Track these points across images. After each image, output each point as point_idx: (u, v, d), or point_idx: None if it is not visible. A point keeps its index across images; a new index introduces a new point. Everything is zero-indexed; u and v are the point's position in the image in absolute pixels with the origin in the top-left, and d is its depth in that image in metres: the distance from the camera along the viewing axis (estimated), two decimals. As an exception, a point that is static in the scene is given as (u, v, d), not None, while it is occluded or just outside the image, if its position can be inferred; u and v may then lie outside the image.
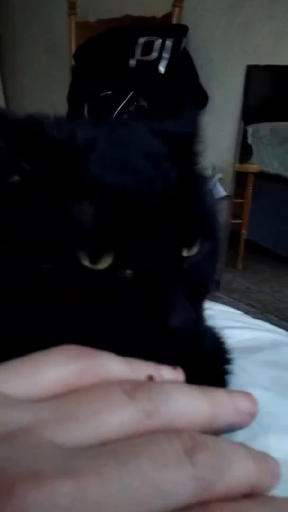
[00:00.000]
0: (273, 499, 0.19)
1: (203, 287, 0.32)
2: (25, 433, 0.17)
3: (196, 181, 0.32)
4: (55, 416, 0.18)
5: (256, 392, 0.44)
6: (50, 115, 0.31)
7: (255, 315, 1.24)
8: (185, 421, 0.20)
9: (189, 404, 0.20)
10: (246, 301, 2.18)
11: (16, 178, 0.28)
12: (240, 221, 2.39)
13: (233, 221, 2.31)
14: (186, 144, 0.34)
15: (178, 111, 0.37)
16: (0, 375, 0.19)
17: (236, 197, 2.34)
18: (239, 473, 0.18)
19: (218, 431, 0.21)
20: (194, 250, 0.30)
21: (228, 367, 0.41)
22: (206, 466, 0.17)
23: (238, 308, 0.82)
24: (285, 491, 0.21)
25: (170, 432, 0.19)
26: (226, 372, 0.40)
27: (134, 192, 0.27)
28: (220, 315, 0.57)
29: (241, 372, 0.42)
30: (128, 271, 0.27)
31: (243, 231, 2.42)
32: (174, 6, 2.35)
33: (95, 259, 0.27)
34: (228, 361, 0.43)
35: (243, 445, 0.20)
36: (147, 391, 0.20)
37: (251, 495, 0.19)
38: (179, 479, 0.17)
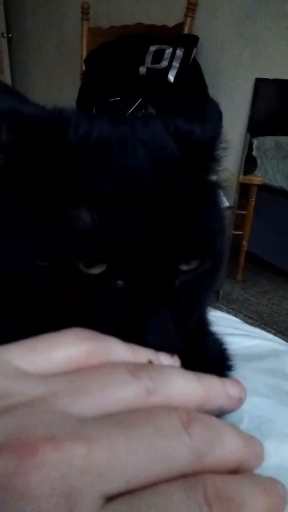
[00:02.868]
0: (259, 476, 0.21)
1: (195, 303, 0.32)
2: (40, 403, 0.19)
3: (206, 193, 0.32)
4: (67, 389, 0.20)
5: (255, 399, 0.45)
6: (74, 112, 0.31)
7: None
8: (181, 400, 0.21)
9: (185, 386, 0.22)
10: (245, 312, 2.18)
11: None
12: (241, 233, 2.40)
13: (235, 233, 2.32)
14: (207, 149, 0.33)
15: (201, 111, 0.36)
16: (16, 352, 0.21)
17: (238, 208, 2.35)
18: (229, 448, 0.20)
19: (210, 414, 0.22)
20: (194, 264, 0.30)
21: (229, 373, 0.42)
22: (200, 438, 0.19)
23: (236, 319, 0.82)
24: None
25: (169, 407, 0.20)
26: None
27: (132, 205, 0.27)
28: (221, 322, 0.58)
29: (241, 378, 0.42)
30: (119, 281, 0.28)
31: (244, 243, 2.42)
32: (186, 16, 2.37)
33: (89, 264, 0.27)
34: (229, 368, 0.43)
35: (233, 425, 0.22)
36: (149, 371, 0.21)
37: (237, 471, 0.21)
38: (177, 447, 0.19)
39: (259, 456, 0.22)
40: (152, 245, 0.27)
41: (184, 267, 0.30)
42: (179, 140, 0.31)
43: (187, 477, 0.19)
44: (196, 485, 0.18)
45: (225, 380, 0.24)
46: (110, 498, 0.17)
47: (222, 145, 0.34)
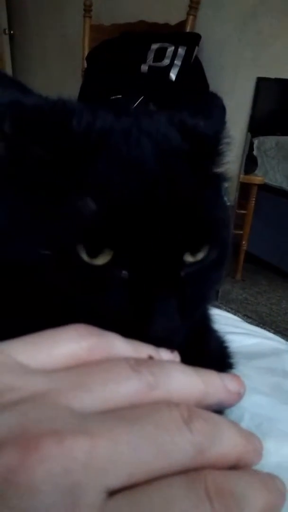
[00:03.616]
0: (259, 472, 0.21)
1: (200, 295, 0.32)
2: (43, 398, 0.19)
3: (211, 185, 0.32)
4: (69, 384, 0.20)
5: (256, 398, 0.45)
6: (77, 103, 0.32)
7: (253, 326, 1.25)
8: (181, 395, 0.22)
9: (185, 381, 0.22)
10: (243, 312, 2.19)
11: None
12: (241, 232, 2.39)
13: (235, 232, 2.31)
14: (211, 143, 0.33)
15: (205, 106, 0.36)
16: (19, 347, 0.22)
17: (238, 208, 2.35)
18: (228, 443, 0.21)
19: (209, 408, 0.22)
20: (200, 256, 0.30)
21: (230, 371, 0.42)
22: (202, 433, 0.20)
23: (235, 319, 0.82)
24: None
25: (170, 403, 0.21)
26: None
27: (137, 195, 0.27)
28: (221, 321, 0.58)
29: (242, 376, 0.42)
30: (124, 272, 0.28)
31: (244, 242, 2.42)
32: (188, 14, 2.37)
33: (93, 255, 0.27)
34: (230, 366, 0.43)
35: (232, 421, 0.22)
36: (150, 367, 0.22)
37: (236, 467, 0.21)
38: (179, 442, 0.19)
39: (258, 452, 0.22)
40: (157, 234, 0.27)
41: (190, 259, 0.30)
42: (183, 133, 0.31)
43: (189, 472, 0.19)
44: (198, 479, 0.19)
45: (224, 375, 0.24)
46: (112, 493, 0.17)
47: (226, 140, 0.34)
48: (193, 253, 0.30)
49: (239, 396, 0.24)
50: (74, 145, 0.28)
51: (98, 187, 0.27)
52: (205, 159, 0.31)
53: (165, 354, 0.25)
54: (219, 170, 0.34)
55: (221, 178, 0.35)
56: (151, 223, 0.27)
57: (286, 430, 0.40)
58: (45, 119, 0.28)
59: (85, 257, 0.27)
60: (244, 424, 0.40)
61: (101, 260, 0.27)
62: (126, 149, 0.28)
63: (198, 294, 0.31)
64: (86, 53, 2.54)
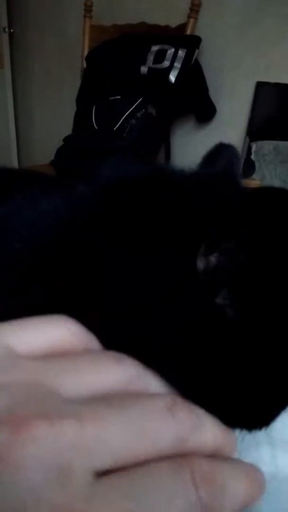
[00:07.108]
0: (242, 462, 0.23)
1: None
2: (33, 382, 0.20)
3: None
4: (58, 369, 0.21)
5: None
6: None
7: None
8: (158, 383, 0.23)
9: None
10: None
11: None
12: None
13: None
14: None
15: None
16: (8, 331, 0.22)
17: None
18: (209, 434, 0.22)
19: None
20: None
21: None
22: (184, 422, 0.21)
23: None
24: (275, 505, 0.22)
25: (154, 394, 0.22)
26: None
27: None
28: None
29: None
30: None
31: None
32: (189, 17, 2.36)
33: None
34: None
35: (212, 415, 0.23)
36: (132, 360, 0.23)
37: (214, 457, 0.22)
38: (163, 428, 0.20)
39: (233, 446, 0.24)
40: None
41: None
42: None
43: (175, 458, 0.20)
44: (184, 465, 0.20)
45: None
46: (100, 475, 0.18)
47: None
48: None
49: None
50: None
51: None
52: None
53: None
54: None
55: None
56: None
57: (282, 437, 0.39)
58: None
59: None
60: (238, 432, 0.39)
61: None
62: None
63: None
64: (86, 53, 2.53)
